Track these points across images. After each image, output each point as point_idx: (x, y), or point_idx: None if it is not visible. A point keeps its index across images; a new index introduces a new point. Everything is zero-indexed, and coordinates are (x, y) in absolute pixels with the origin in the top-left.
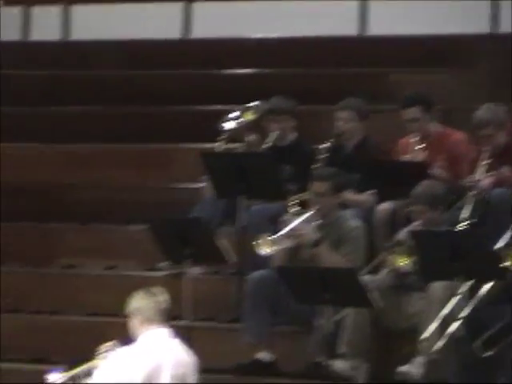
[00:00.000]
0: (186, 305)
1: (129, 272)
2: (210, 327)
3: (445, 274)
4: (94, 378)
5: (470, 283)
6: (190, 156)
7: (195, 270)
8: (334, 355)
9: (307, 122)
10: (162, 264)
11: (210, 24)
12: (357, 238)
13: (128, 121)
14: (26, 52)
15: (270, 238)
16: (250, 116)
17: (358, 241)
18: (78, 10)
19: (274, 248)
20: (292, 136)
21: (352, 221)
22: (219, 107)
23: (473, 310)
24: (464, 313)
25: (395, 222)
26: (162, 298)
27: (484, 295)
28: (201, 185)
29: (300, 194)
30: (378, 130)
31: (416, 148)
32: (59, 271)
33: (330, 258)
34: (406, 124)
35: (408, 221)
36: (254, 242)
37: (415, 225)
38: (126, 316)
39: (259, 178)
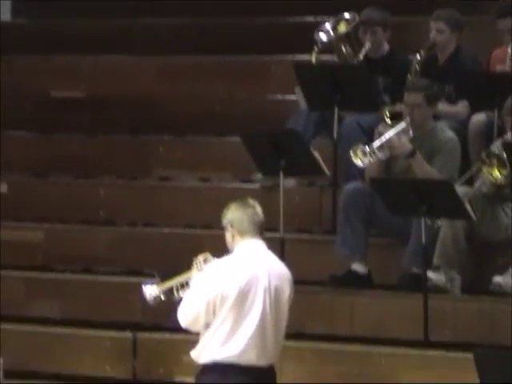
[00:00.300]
0: (281, 217)
1: (223, 184)
2: (304, 239)
3: None
4: (189, 289)
5: None
6: (283, 68)
7: (289, 182)
8: (428, 267)
9: (400, 33)
10: (257, 176)
11: None
12: (452, 149)
13: (222, 33)
14: None
15: (364, 149)
16: (343, 27)
17: (453, 152)
18: None
19: (369, 159)
20: (385, 47)
21: (447, 132)
22: (313, 18)
23: None
24: None
25: (489, 133)
26: (256, 209)
27: None
28: (294, 97)
29: (394, 106)
30: (472, 41)
31: (510, 59)
32: (153, 183)
33: (425, 170)
34: (500, 35)
35: (502, 132)
36: (348, 154)
37: (508, 136)
38: (220, 228)
39: (353, 90)
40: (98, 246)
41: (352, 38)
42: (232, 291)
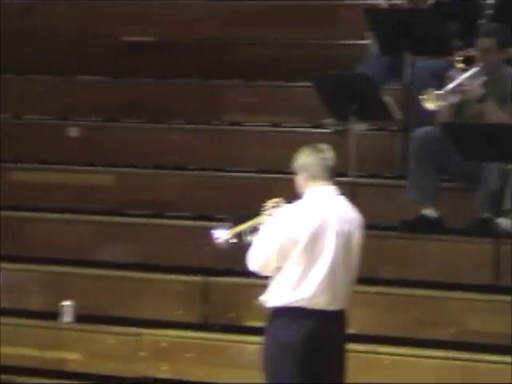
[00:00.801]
0: (351, 161)
1: (294, 129)
2: (375, 184)
3: None
4: (260, 234)
5: None
6: (354, 12)
7: (360, 127)
8: (499, 212)
9: None
10: (328, 121)
11: None
12: None
13: None
14: None
15: (435, 93)
16: None
17: None
18: None
19: (440, 103)
20: None
21: None
22: None
23: None
24: None
25: None
26: (327, 154)
27: None
28: (366, 41)
29: (466, 50)
30: None
31: None
32: (224, 128)
33: (496, 115)
34: None
35: None
36: (419, 98)
37: None
38: (291, 172)
39: (425, 34)
40: (169, 190)
41: None
42: (303, 235)
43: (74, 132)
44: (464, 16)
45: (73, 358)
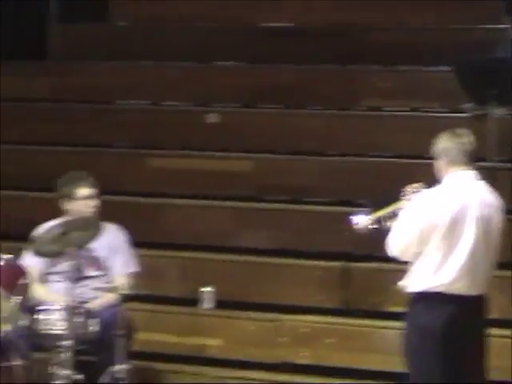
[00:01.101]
0: (491, 146)
1: (433, 113)
2: None
3: None
4: (400, 219)
5: None
6: None
7: (500, 111)
8: None
9: None
10: (467, 105)
11: None
12: None
13: None
14: None
15: None
16: None
17: None
18: None
19: None
20: None
21: None
22: None
23: None
24: None
25: None
26: (467, 139)
27: None
28: (504, 25)
29: None
30: None
31: None
32: (363, 113)
33: None
34: None
35: None
36: None
37: None
38: (431, 158)
39: None
40: (308, 176)
41: None
42: (444, 220)
43: (212, 118)
44: None
45: (212, 344)
